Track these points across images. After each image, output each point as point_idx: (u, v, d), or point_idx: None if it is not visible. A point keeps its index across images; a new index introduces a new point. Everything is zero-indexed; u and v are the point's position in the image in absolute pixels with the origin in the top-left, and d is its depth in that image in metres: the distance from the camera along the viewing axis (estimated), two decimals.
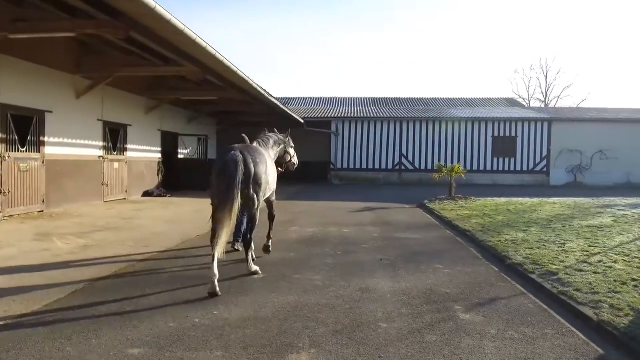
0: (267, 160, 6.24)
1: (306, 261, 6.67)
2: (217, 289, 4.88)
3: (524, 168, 25.22)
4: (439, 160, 25.32)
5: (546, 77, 49.88)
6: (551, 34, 71.99)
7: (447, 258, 7.11)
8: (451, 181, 16.35)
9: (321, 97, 33.55)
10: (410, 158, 25.47)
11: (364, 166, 25.50)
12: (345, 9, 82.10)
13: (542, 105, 44.01)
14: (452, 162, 25.15)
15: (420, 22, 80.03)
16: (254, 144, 6.72)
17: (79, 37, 11.76)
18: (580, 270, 5.99)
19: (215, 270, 4.97)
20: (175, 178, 19.07)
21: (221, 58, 10.11)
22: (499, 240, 8.19)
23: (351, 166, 25.11)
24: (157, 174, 17.80)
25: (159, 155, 17.99)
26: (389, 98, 33.56)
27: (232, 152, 5.59)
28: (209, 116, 23.47)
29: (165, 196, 16.57)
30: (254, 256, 6.07)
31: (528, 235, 8.71)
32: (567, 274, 5.79)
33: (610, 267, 6.15)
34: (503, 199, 15.63)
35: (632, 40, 69.80)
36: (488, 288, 5.52)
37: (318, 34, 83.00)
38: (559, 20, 72.38)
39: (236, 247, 7.18)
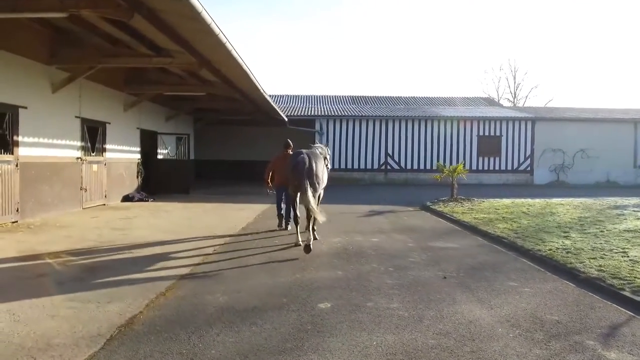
0: (321, 163, 8.21)
1: (363, 282, 5.71)
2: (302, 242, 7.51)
3: (509, 167, 25.12)
4: (425, 160, 24.92)
5: (515, 77, 50.52)
6: (520, 35, 73.76)
7: (510, 273, 6.35)
8: (453, 182, 15.74)
9: (299, 95, 32.48)
10: (396, 158, 24.85)
11: (349, 166, 24.68)
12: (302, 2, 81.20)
13: (512, 105, 44.56)
14: (438, 161, 24.83)
15: (387, 21, 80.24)
16: (316, 150, 8.59)
17: (55, 22, 10.31)
18: None
19: (299, 236, 7.87)
20: (155, 181, 17.61)
21: (230, 48, 8.96)
22: (550, 249, 7.52)
23: (336, 166, 24.19)
24: (137, 177, 16.32)
25: (139, 156, 16.50)
26: (368, 97, 32.88)
27: (302, 155, 7.81)
28: (187, 114, 21.99)
29: (148, 201, 15.14)
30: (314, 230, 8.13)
31: (575, 242, 8.08)
32: None
33: None
34: (507, 200, 15.16)
35: (596, 42, 72.48)
36: (592, 312, 4.77)
37: (274, 28, 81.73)
38: (527, 22, 74.25)
39: (286, 227, 9.49)
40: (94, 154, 13.31)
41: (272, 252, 7.38)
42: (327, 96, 32.75)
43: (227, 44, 8.66)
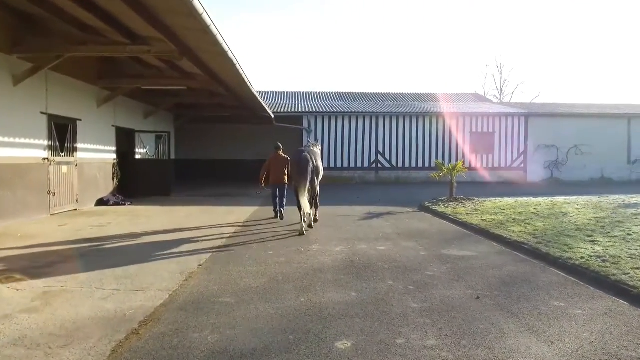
0: (319, 159, 9.74)
1: (384, 307, 4.71)
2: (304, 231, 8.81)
3: (502, 165, 24.43)
4: (417, 157, 24.08)
5: (501, 74, 50.18)
6: (505, 32, 73.69)
7: (549, 288, 5.46)
8: (452, 181, 14.88)
9: (285, 92, 31.29)
10: (387, 156, 23.95)
11: (339, 165, 23.69)
12: None
13: (498, 102, 44.12)
14: (430, 159, 24.05)
15: (373, 17, 79.41)
16: (313, 148, 10.16)
17: (17, 7, 9.10)
18: None
19: (303, 223, 8.92)
20: (133, 182, 16.37)
21: (215, 32, 7.86)
22: (582, 258, 6.64)
23: (326, 165, 23.11)
24: (113, 179, 15.07)
25: (114, 156, 15.25)
26: (356, 93, 31.89)
27: (304, 153, 9.38)
28: (167, 111, 20.73)
29: (125, 205, 13.93)
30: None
31: (606, 248, 7.22)
32: None
33: None
34: (510, 200, 14.36)
35: (582, 39, 72.80)
36: None
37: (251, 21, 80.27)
38: (512, 18, 74.23)
39: (281, 217, 10.73)
40: (63, 154, 12.06)
41: (268, 265, 6.36)
42: (314, 92, 31.66)
43: (212, 27, 7.58)
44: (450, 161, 22.64)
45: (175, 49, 9.64)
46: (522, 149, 24.51)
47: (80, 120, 12.89)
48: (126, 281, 5.56)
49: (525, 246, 7.87)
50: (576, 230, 8.93)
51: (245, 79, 11.89)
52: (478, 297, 5.04)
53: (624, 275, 5.72)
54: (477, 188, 19.00)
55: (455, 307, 4.71)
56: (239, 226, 10.05)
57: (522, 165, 24.53)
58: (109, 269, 6.10)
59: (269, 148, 27.73)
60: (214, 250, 7.34)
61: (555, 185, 21.97)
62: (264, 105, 17.20)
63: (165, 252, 7.19)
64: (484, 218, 10.88)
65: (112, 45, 9.86)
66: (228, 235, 8.72)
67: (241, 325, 4.14)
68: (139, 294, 5.07)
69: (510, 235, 8.67)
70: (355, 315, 4.43)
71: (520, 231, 9.03)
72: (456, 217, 11.33)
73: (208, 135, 25.86)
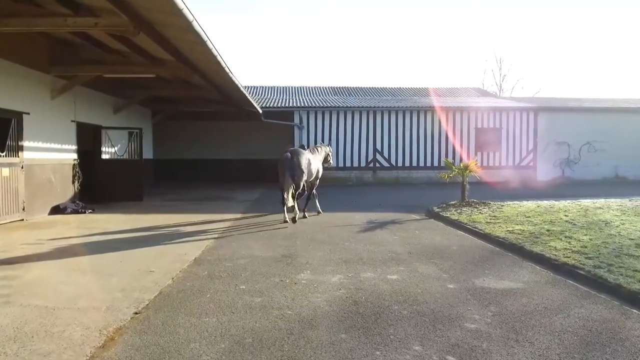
0: (308, 158, 10.63)
1: None
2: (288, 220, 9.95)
3: (510, 163, 22.59)
4: (418, 156, 22.20)
5: (500, 69, 48.47)
6: (505, 26, 71.90)
7: None
8: (464, 182, 12.99)
9: (275, 86, 29.25)
10: (385, 154, 22.03)
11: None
12: None
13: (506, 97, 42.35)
14: (432, 157, 22.18)
15: (368, 10, 77.36)
16: (307, 150, 11.25)
17: None
18: None
19: (286, 213, 10.11)
20: (99, 186, 14.35)
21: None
22: None
23: None
24: (73, 182, 13.01)
25: (75, 155, 13.19)
26: (351, 87, 29.91)
27: (286, 153, 10.31)
28: (142, 105, 18.66)
29: (85, 212, 11.92)
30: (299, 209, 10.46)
31: None
32: None
33: None
34: (530, 204, 12.51)
35: (582, 33, 71.18)
36: None
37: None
38: (512, 11, 72.50)
39: (305, 215, 11.01)
40: (3, 154, 10.04)
41: (234, 313, 4.40)
42: (306, 87, 29.62)
43: None
44: (453, 159, 20.78)
45: (128, 22, 7.66)
46: (531, 146, 22.69)
47: (28, 113, 10.84)
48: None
49: (581, 271, 5.97)
50: (636, 246, 7.06)
51: (222, 62, 9.91)
52: None
53: None
54: (486, 189, 17.14)
55: None
56: (212, 240, 8.09)
57: (532, 163, 22.70)
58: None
59: (258, 146, 25.54)
60: (166, 286, 5.36)
61: (568, 185, 20.18)
62: (248, 97, 15.21)
63: (92, 289, 5.22)
64: (510, 228, 8.99)
65: (48, 17, 7.84)
66: (192, 258, 6.74)
67: None
68: None
69: (555, 255, 6.77)
70: None
71: (565, 248, 7.14)
72: (475, 227, 9.44)
73: (191, 133, 23.82)
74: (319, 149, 11.87)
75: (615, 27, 69.29)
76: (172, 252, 7.09)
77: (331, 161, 12.66)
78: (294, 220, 10.04)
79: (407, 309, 4.57)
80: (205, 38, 8.14)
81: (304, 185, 10.60)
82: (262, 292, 5.07)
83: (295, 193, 10.28)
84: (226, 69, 10.53)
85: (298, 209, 10.45)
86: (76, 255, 6.91)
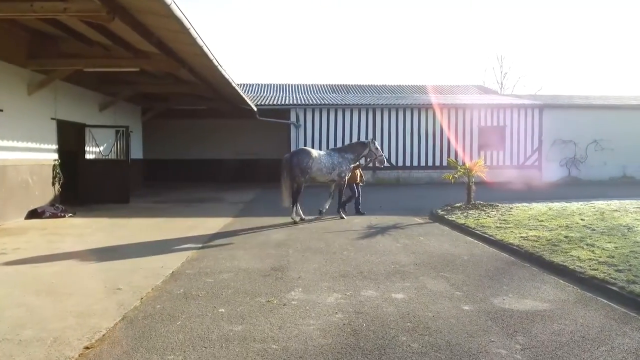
0: (314, 158, 10.30)
1: None
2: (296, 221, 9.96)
3: (514, 162, 21.80)
4: (419, 155, 21.41)
5: (502, 66, 47.65)
6: (506, 23, 71.11)
7: None
8: (470, 183, 12.20)
9: (271, 84, 28.42)
10: (386, 153, 21.14)
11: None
12: None
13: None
14: (434, 157, 21.40)
15: (366, 7, 76.46)
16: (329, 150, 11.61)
17: None
18: None
19: (294, 213, 10.05)
20: (83, 187, 13.58)
21: None
22: None
23: None
24: (53, 184, 12.20)
25: (55, 155, 12.38)
26: (350, 85, 29.07)
27: (287, 155, 10.64)
28: (130, 103, 17.81)
29: (64, 216, 11.11)
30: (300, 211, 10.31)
31: None
32: None
33: None
34: (541, 206, 11.73)
35: (583, 31, 70.41)
36: None
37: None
38: (513, 8, 71.69)
39: (342, 216, 10.85)
40: None
41: (207, 347, 3.61)
42: (304, 85, 28.76)
43: None
44: (456, 159, 19.99)
45: (100, 6, 6.87)
46: (536, 145, 21.90)
47: (2, 110, 10.05)
48: None
49: (614, 287, 5.20)
50: None
51: (208, 54, 9.11)
52: None
53: None
54: (490, 190, 16.34)
55: None
56: (195, 249, 7.29)
57: (537, 163, 21.92)
58: None
59: (253, 146, 24.62)
60: (132, 309, 4.56)
61: (575, 186, 19.44)
62: (240, 93, 14.40)
63: (45, 314, 4.42)
64: (523, 234, 8.21)
65: (13, 0, 7.03)
66: (170, 272, 5.93)
67: None
68: None
69: (581, 267, 5.99)
70: None
71: (589, 258, 6.36)
72: (484, 233, 8.67)
73: (183, 132, 22.98)
74: (352, 147, 11.36)
75: (617, 24, 68.58)
76: (147, 264, 6.29)
77: (379, 157, 11.44)
78: (302, 220, 10.20)
79: (418, 340, 3.78)
80: (187, 25, 7.35)
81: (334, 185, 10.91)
82: (244, 317, 4.27)
83: (296, 193, 10.15)
84: (214, 61, 9.73)
85: (321, 209, 11.02)
86: (37, 269, 6.10)
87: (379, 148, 11.52)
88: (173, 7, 6.36)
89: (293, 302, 4.71)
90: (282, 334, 3.88)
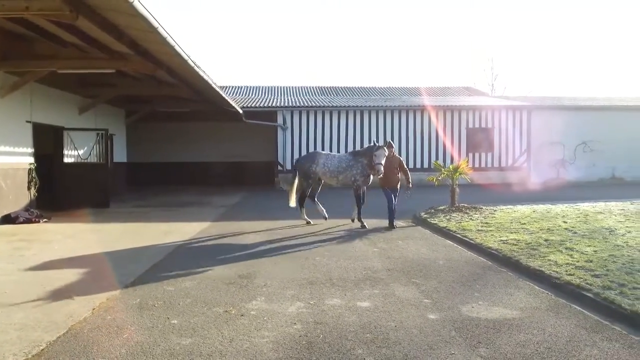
0: (317, 161, 10.53)
1: None
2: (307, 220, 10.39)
3: (503, 164, 21.68)
4: (407, 157, 21.20)
5: (492, 68, 47.75)
6: (496, 24, 71.26)
7: None
8: (454, 186, 12.04)
9: (257, 86, 28.17)
10: None
11: None
12: None
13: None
14: (422, 159, 21.25)
15: (354, 8, 76.44)
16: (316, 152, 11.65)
17: None
18: None
19: (303, 214, 10.48)
20: (61, 192, 13.30)
21: None
22: None
23: None
24: (29, 188, 11.93)
25: (31, 159, 12.11)
26: (339, 87, 28.89)
27: (297, 158, 12.58)
28: (113, 105, 17.55)
29: (39, 222, 10.85)
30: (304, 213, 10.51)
31: None
32: None
33: None
34: (525, 208, 11.59)
35: (575, 33, 70.67)
36: None
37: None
38: (503, 10, 71.88)
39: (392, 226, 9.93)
40: None
41: None
42: (292, 87, 28.58)
43: None
44: (444, 161, 19.86)
45: (62, 4, 6.64)
46: (524, 147, 21.78)
47: None
48: None
49: (588, 294, 5.03)
50: None
51: (182, 54, 8.90)
52: None
53: None
54: (477, 192, 16.23)
55: None
56: (163, 255, 7.06)
57: (525, 164, 21.81)
58: None
59: (240, 148, 24.39)
60: (80, 320, 4.33)
61: (563, 187, 19.30)
62: (223, 95, 14.18)
63: None
64: (503, 238, 8.04)
65: None
66: (132, 279, 5.70)
67: None
68: None
69: (557, 272, 5.82)
70: None
71: (567, 263, 6.20)
72: (465, 236, 8.50)
73: (168, 135, 22.69)
74: (370, 150, 10.15)
75: (607, 26, 68.93)
76: (110, 271, 6.06)
77: (376, 165, 9.81)
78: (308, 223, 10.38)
79: (374, 353, 3.57)
80: (155, 24, 7.13)
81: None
82: (196, 329, 4.05)
83: (301, 197, 10.63)
84: (189, 61, 9.51)
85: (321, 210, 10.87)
86: None
87: (383, 155, 9.83)
88: (136, 4, 6.15)
89: (252, 312, 4.50)
90: (231, 347, 3.67)
